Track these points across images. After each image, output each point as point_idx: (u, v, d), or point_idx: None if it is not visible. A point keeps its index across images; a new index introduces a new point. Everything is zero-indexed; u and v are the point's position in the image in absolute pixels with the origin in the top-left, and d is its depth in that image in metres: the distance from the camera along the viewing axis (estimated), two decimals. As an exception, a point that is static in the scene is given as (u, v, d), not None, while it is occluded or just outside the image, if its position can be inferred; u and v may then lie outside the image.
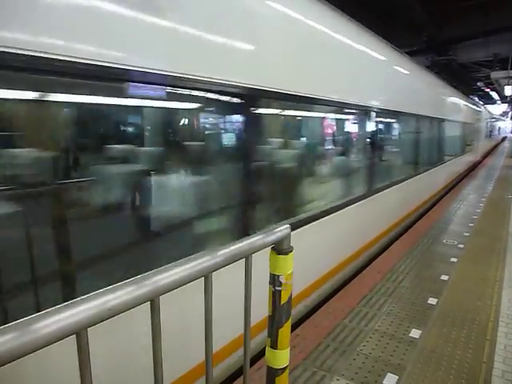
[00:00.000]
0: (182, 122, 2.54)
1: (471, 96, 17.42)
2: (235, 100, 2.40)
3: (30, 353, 0.78)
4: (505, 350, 2.69)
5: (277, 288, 1.43)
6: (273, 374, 1.49)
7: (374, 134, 4.72)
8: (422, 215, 7.16)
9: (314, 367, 2.49)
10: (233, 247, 1.28)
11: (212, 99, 2.31)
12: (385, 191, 5.07)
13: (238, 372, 2.55)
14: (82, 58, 1.51)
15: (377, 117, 4.71)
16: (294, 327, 2.93)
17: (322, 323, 3.05)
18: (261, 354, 2.53)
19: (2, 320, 1.51)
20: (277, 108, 3.20)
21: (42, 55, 1.39)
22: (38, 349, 0.79)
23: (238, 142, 2.59)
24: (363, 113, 4.39)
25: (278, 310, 1.45)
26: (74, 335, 0.87)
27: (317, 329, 2.97)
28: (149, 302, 1.04)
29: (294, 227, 1.71)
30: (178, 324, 1.95)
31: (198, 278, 1.16)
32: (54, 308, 0.85)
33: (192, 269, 1.12)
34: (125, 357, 1.77)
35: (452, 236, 5.53)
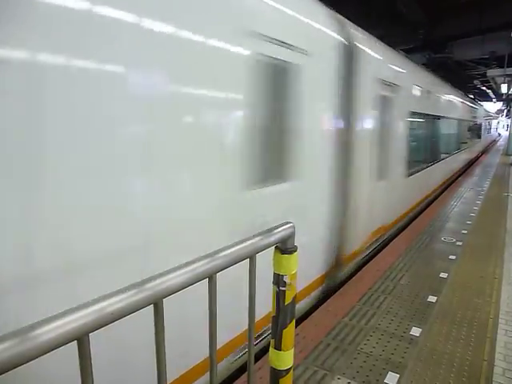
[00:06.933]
0: None
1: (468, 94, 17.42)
2: None
3: (30, 360, 0.75)
4: (505, 347, 2.68)
5: (281, 288, 1.41)
6: (276, 375, 1.47)
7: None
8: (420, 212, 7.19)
9: (314, 366, 2.47)
10: (237, 247, 1.25)
11: None
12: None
13: (236, 372, 2.52)
14: None
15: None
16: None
17: (322, 322, 3.03)
18: (259, 353, 2.51)
19: None
20: None
21: None
22: (39, 355, 0.76)
23: None
24: None
25: (282, 311, 1.42)
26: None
27: (317, 327, 2.95)
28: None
29: None
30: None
31: (202, 280, 1.13)
32: (55, 314, 0.82)
33: (196, 270, 1.09)
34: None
35: (450, 234, 5.54)
